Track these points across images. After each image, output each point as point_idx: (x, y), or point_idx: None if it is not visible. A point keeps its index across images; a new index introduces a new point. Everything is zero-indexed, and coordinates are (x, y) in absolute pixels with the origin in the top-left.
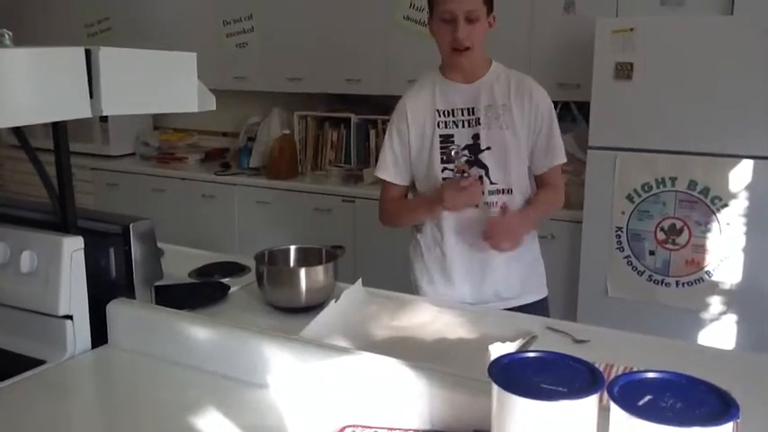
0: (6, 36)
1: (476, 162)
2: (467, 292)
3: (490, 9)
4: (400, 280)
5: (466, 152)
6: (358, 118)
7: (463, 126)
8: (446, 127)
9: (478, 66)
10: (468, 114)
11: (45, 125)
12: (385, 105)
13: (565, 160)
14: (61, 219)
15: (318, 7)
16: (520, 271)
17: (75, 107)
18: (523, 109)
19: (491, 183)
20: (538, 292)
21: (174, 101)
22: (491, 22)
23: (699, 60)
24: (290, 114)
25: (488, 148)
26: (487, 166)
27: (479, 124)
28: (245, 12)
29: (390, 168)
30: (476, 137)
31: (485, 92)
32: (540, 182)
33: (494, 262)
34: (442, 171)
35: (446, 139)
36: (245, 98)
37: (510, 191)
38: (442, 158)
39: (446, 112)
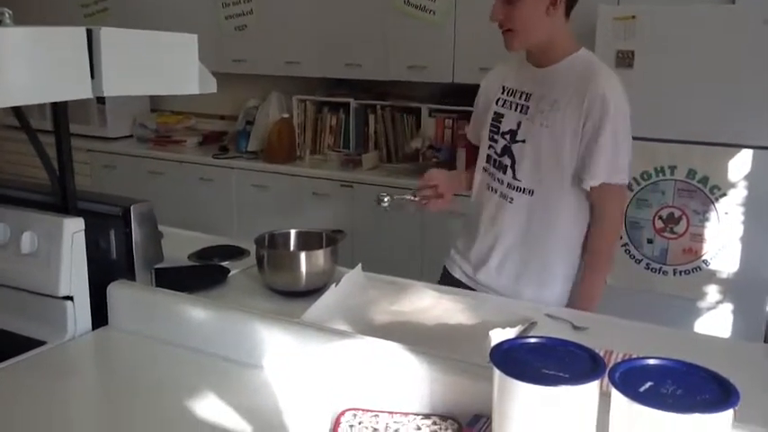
0: (6, 15)
1: (508, 151)
2: (470, 269)
3: None
4: (399, 265)
5: (507, 137)
6: (357, 103)
7: (514, 110)
8: (502, 105)
9: (550, 49)
10: (524, 99)
11: (42, 106)
12: (384, 90)
13: (605, 181)
14: (61, 200)
15: None
16: (528, 278)
17: (75, 87)
18: (572, 110)
19: (514, 177)
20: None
21: (175, 82)
22: (555, 1)
23: (700, 49)
24: (289, 98)
25: (523, 141)
26: (515, 159)
27: (526, 113)
28: None
29: (470, 126)
30: (518, 125)
31: (545, 81)
32: (591, 209)
33: (504, 256)
34: (489, 148)
35: (497, 118)
36: (244, 81)
37: (531, 192)
38: (489, 135)
39: (509, 91)
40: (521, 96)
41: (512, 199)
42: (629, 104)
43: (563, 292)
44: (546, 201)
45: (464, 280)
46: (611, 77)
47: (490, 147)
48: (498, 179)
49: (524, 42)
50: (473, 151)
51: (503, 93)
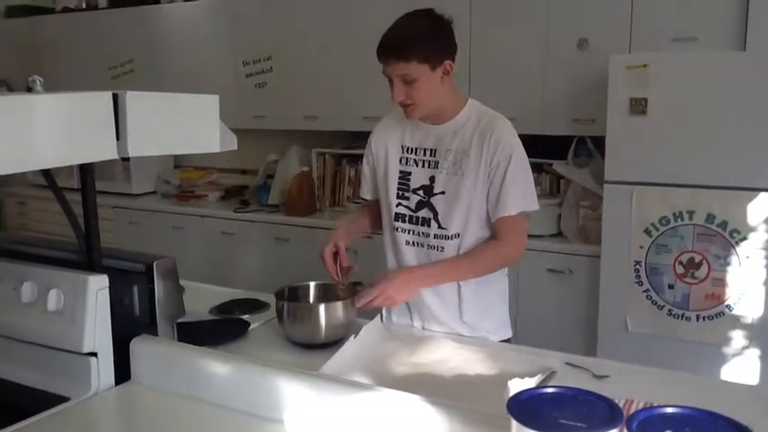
0: (38, 82)
1: (427, 204)
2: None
3: (437, 61)
4: None
5: (421, 192)
6: None
7: (423, 166)
8: (407, 164)
9: (444, 109)
10: (430, 155)
11: (68, 165)
12: None
13: (512, 213)
14: (87, 257)
15: (335, 47)
16: (449, 308)
17: (102, 149)
18: (481, 156)
19: (439, 227)
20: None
21: (197, 142)
22: (447, 70)
23: (713, 95)
24: (309, 152)
25: (442, 193)
26: (437, 210)
27: (437, 167)
28: (263, 53)
29: (364, 187)
30: (432, 179)
31: (448, 136)
32: (491, 232)
33: (427, 301)
34: (397, 206)
35: (404, 176)
36: (264, 136)
37: (457, 236)
38: (398, 193)
39: (410, 150)
40: (425, 153)
41: (442, 248)
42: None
43: (503, 313)
44: (471, 240)
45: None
46: (505, 122)
47: (399, 205)
48: (421, 233)
49: (425, 112)
50: (374, 207)
51: (404, 152)
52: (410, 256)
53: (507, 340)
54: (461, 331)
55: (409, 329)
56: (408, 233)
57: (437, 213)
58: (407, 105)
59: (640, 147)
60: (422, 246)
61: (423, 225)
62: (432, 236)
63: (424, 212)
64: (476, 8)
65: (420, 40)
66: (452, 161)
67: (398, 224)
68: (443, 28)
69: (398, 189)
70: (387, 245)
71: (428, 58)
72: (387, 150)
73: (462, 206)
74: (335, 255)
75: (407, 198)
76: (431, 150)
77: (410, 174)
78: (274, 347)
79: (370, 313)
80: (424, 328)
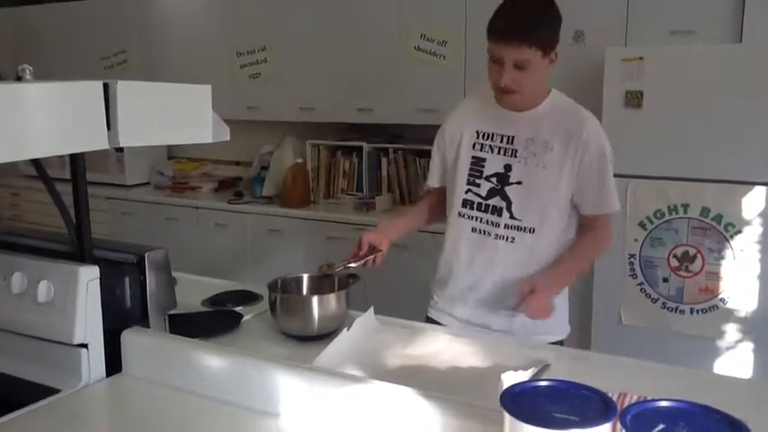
0: (27, 71)
1: (500, 192)
2: (463, 311)
3: (550, 48)
4: (412, 308)
5: (494, 179)
6: (370, 146)
7: (498, 153)
8: (481, 150)
9: (530, 98)
10: (507, 143)
11: (61, 156)
12: (396, 134)
13: (615, 209)
14: (78, 248)
15: (330, 38)
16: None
17: (92, 139)
18: (566, 152)
19: (511, 217)
20: (547, 333)
21: (189, 132)
22: (552, 59)
23: (709, 88)
24: (303, 143)
25: (519, 183)
26: (511, 200)
27: (515, 156)
28: (258, 43)
29: (431, 174)
30: (507, 167)
31: (530, 124)
32: (582, 223)
33: (490, 289)
34: (466, 192)
35: (478, 162)
36: (259, 127)
37: (532, 230)
38: (468, 179)
39: (486, 135)
40: (502, 140)
41: (512, 239)
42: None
43: (560, 322)
44: (548, 237)
45: (455, 324)
46: (593, 119)
47: (468, 191)
48: (490, 222)
49: (525, 101)
50: (439, 197)
51: (478, 137)
52: (474, 244)
53: (559, 342)
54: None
55: (401, 321)
56: (475, 220)
57: (511, 203)
58: (512, 92)
59: (635, 140)
60: (488, 234)
61: (493, 214)
62: (502, 225)
63: (495, 201)
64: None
65: (543, 25)
66: (533, 152)
67: (465, 210)
68: (558, 16)
69: (470, 175)
70: (448, 233)
71: (544, 45)
72: (461, 135)
73: (541, 199)
74: (363, 247)
75: (478, 185)
76: (509, 138)
77: (484, 160)
78: (267, 339)
79: (363, 305)
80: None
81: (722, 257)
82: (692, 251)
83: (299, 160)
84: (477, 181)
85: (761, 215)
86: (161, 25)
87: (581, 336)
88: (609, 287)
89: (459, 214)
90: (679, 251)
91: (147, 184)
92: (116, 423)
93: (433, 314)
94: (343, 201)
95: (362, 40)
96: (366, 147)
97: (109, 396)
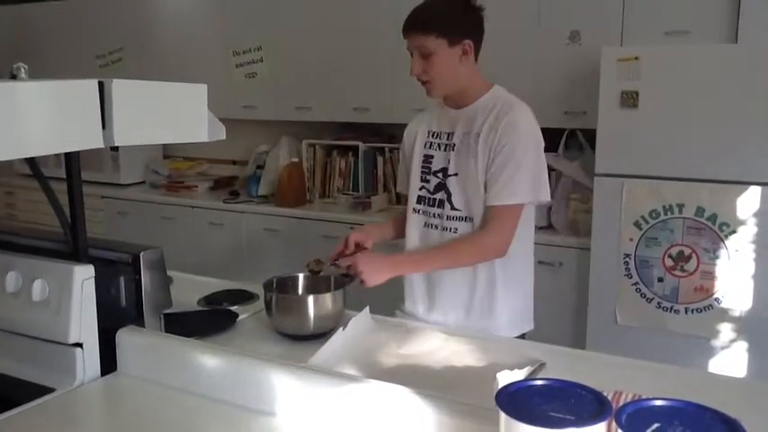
0: (22, 70)
1: (443, 186)
2: (421, 311)
3: (456, 37)
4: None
5: (440, 174)
6: (366, 146)
7: (442, 149)
8: (430, 148)
9: (466, 93)
10: (448, 138)
11: (57, 155)
12: (392, 133)
13: (508, 202)
14: (73, 248)
15: (326, 38)
16: (471, 301)
17: (87, 138)
18: (489, 136)
19: (452, 208)
20: (500, 329)
21: (185, 131)
22: (467, 50)
23: (704, 88)
24: (299, 143)
25: (455, 174)
26: (450, 192)
27: (453, 150)
28: (254, 43)
29: (402, 182)
30: (448, 161)
31: (467, 119)
32: (484, 219)
33: (444, 288)
34: (420, 189)
35: (427, 160)
36: (255, 127)
37: (472, 219)
38: (421, 177)
39: (434, 134)
40: (446, 137)
41: (455, 229)
42: (540, 134)
43: (511, 322)
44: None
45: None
46: (524, 108)
47: (422, 188)
48: (436, 214)
49: (442, 90)
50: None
51: (429, 136)
52: (425, 238)
53: (521, 336)
54: (468, 322)
55: (396, 321)
56: (426, 215)
57: (450, 195)
58: (425, 82)
59: (631, 140)
60: (436, 227)
61: (438, 207)
62: (445, 217)
63: (440, 194)
64: None
65: (440, 14)
66: (467, 144)
67: (419, 206)
68: (467, 8)
69: (422, 173)
70: (407, 230)
71: (446, 33)
72: (416, 138)
73: (472, 188)
74: (349, 245)
75: (428, 181)
76: (449, 134)
77: (432, 157)
78: (263, 339)
79: (359, 305)
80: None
81: (717, 257)
82: (686, 251)
83: (295, 159)
84: (428, 177)
85: (755, 215)
86: (156, 24)
87: (576, 335)
88: (604, 286)
89: (414, 210)
90: (674, 251)
91: (143, 183)
92: (111, 422)
93: (399, 315)
94: (339, 200)
95: (358, 39)
96: (362, 146)
97: (104, 395)
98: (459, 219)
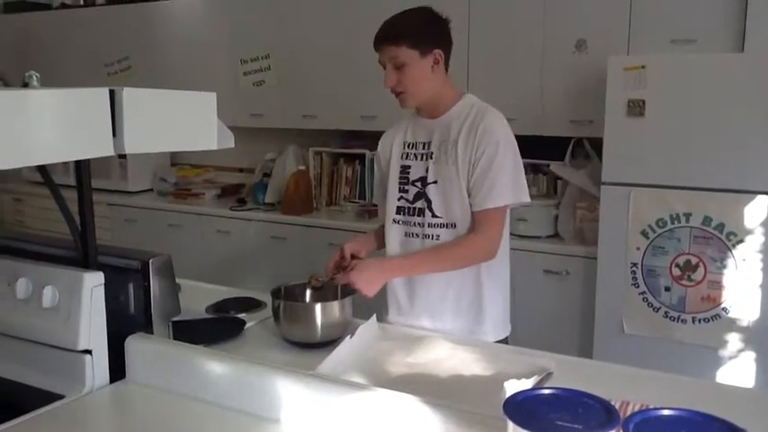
0: (34, 78)
1: (423, 195)
2: (407, 319)
3: (427, 47)
4: None
5: (418, 184)
6: (372, 154)
7: (420, 159)
8: (407, 158)
9: (439, 102)
10: (426, 148)
11: (65, 162)
12: None
13: (495, 205)
14: (82, 255)
15: (333, 46)
16: (458, 306)
17: (98, 146)
18: (467, 143)
19: (433, 216)
20: (482, 333)
21: (194, 139)
22: (438, 59)
23: (711, 97)
24: (306, 151)
25: (435, 182)
26: (431, 200)
27: (431, 158)
28: (262, 51)
29: (375, 192)
30: (427, 170)
31: (442, 127)
32: (472, 224)
33: (430, 294)
34: (398, 200)
35: (404, 170)
36: (262, 135)
37: (453, 225)
38: (399, 187)
39: (410, 145)
40: (422, 146)
41: (437, 236)
42: (514, 137)
43: (495, 325)
44: (464, 228)
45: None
46: (496, 114)
47: (400, 198)
48: (417, 223)
49: (416, 100)
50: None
51: (404, 147)
52: (406, 247)
53: (503, 340)
54: (454, 327)
55: (405, 329)
56: (407, 225)
57: (431, 202)
58: (399, 93)
59: (638, 148)
60: (417, 236)
61: (419, 216)
62: (426, 225)
63: (420, 203)
64: (474, 9)
65: (410, 26)
66: (445, 151)
67: (399, 217)
68: (435, 20)
69: (400, 183)
70: (387, 241)
71: (417, 44)
72: (391, 149)
73: (454, 194)
74: (342, 259)
75: (407, 191)
76: (426, 143)
77: (410, 167)
78: (270, 346)
79: (366, 313)
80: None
81: (724, 266)
82: (694, 260)
83: (302, 167)
84: (406, 187)
85: (763, 224)
86: (165, 32)
87: (583, 344)
88: (611, 295)
89: (394, 221)
90: (681, 260)
91: (151, 190)
92: (119, 429)
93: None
94: (346, 208)
95: (365, 47)
96: (368, 154)
97: (112, 402)
98: (441, 225)
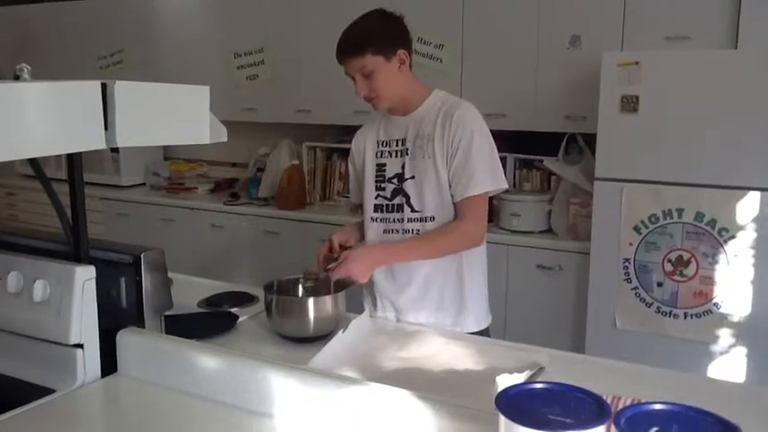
0: (25, 70)
1: (401, 191)
2: (390, 314)
3: (392, 50)
4: None
5: (395, 180)
6: None
7: (395, 156)
8: (382, 156)
9: (409, 99)
10: (400, 145)
11: (58, 155)
12: None
13: (477, 193)
14: (74, 248)
15: (327, 40)
16: (442, 298)
17: (90, 139)
18: (443, 136)
19: (412, 210)
20: (468, 325)
21: (187, 133)
22: (403, 59)
23: (704, 93)
24: (299, 145)
25: (412, 177)
26: (409, 195)
27: (407, 154)
28: (255, 45)
29: (354, 192)
30: (403, 166)
31: (415, 123)
32: (455, 213)
33: (413, 287)
34: (376, 198)
35: (380, 168)
36: (255, 129)
37: (432, 218)
38: (375, 185)
39: (384, 143)
40: (396, 143)
41: (417, 230)
42: (486, 126)
43: (478, 316)
44: (442, 221)
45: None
46: (468, 105)
47: (378, 196)
48: (396, 219)
49: (389, 102)
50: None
51: (378, 146)
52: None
53: (485, 330)
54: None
55: (397, 324)
56: (385, 222)
57: (409, 198)
58: (371, 99)
59: (631, 144)
60: (396, 232)
61: (398, 212)
62: (405, 220)
63: (398, 199)
64: (468, 4)
65: (370, 33)
66: (419, 146)
67: (377, 215)
68: (392, 20)
69: (376, 181)
70: (366, 239)
71: (381, 49)
72: (365, 149)
73: (432, 188)
74: (331, 251)
75: (384, 189)
76: (400, 140)
77: (385, 165)
78: (263, 341)
79: (359, 307)
80: (399, 320)
81: (716, 262)
82: (686, 256)
83: (296, 162)
84: (383, 185)
85: (755, 220)
86: (158, 25)
87: (575, 339)
88: (603, 291)
89: (372, 219)
90: (673, 255)
91: (143, 184)
92: (111, 423)
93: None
94: (339, 203)
95: None
96: None
97: (104, 396)
98: (419, 220)
